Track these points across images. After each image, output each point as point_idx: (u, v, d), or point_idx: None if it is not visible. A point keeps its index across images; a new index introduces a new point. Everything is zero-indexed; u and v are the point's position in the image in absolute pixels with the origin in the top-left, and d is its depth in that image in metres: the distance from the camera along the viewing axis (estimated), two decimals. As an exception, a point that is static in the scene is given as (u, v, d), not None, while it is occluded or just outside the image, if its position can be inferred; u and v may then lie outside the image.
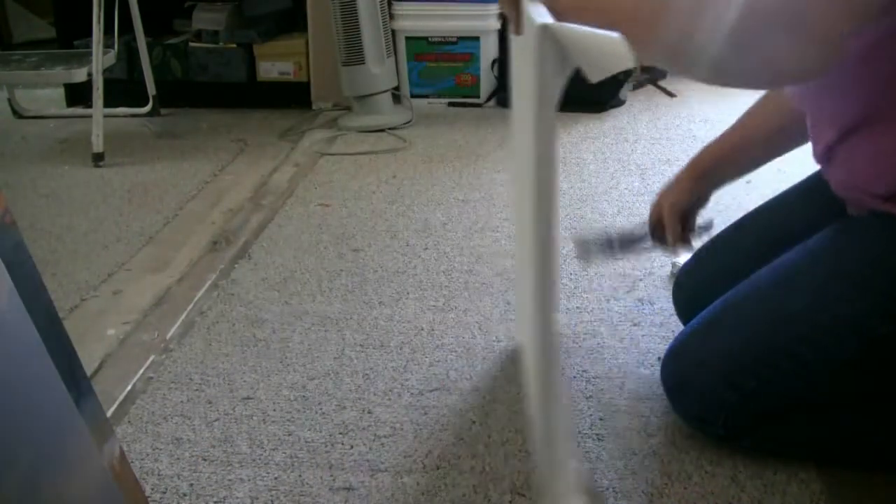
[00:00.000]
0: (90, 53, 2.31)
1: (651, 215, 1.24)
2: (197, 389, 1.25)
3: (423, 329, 1.39)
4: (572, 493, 0.96)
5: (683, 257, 1.32)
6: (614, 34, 0.68)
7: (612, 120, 2.53)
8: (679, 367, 1.05)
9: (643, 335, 1.35)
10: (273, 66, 2.75)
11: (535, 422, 1.04)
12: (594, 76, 0.70)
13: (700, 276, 1.23)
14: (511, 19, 1.07)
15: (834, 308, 0.96)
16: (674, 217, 1.20)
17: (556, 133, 0.79)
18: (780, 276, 1.02)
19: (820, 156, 1.04)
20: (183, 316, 1.47)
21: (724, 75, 0.81)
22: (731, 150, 1.20)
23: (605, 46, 0.69)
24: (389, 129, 2.48)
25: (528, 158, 0.87)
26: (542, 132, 0.78)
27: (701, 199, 1.23)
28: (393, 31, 2.61)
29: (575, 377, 1.24)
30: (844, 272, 0.97)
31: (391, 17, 2.59)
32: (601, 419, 1.15)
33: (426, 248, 1.69)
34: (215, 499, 1.02)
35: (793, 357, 0.97)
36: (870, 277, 0.95)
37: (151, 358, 1.35)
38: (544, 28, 0.73)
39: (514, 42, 1.03)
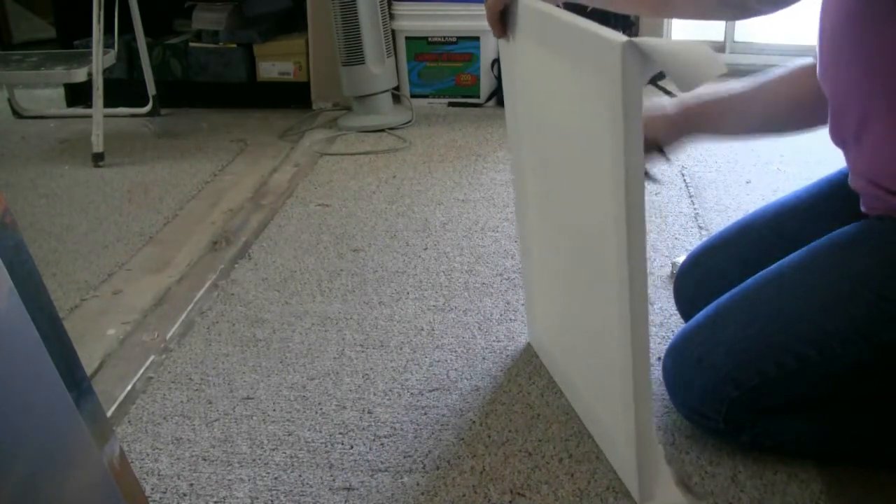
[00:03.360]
0: (90, 53, 2.31)
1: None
2: (197, 389, 1.25)
3: (423, 329, 1.39)
4: (671, 486, 0.97)
5: (682, 257, 1.32)
6: (700, 43, 0.70)
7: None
8: (681, 361, 1.05)
9: (643, 335, 1.34)
10: (273, 66, 2.75)
11: (603, 421, 1.05)
12: (684, 86, 0.71)
13: (704, 272, 1.23)
14: (492, 24, 1.06)
15: (844, 311, 0.96)
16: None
17: (642, 143, 0.79)
18: (788, 276, 1.01)
19: (843, 142, 1.02)
20: (183, 316, 1.47)
21: None
22: (729, 96, 1.13)
23: (693, 56, 0.70)
24: (389, 129, 2.47)
25: (594, 170, 0.86)
26: (631, 144, 0.78)
27: (668, 139, 1.15)
28: (393, 31, 2.61)
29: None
30: (856, 275, 0.96)
31: (391, 17, 2.59)
32: (601, 419, 1.15)
33: (426, 248, 1.69)
34: (215, 499, 1.03)
35: (798, 358, 0.97)
36: (882, 282, 0.95)
37: (151, 358, 1.35)
38: (629, 45, 0.73)
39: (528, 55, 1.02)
